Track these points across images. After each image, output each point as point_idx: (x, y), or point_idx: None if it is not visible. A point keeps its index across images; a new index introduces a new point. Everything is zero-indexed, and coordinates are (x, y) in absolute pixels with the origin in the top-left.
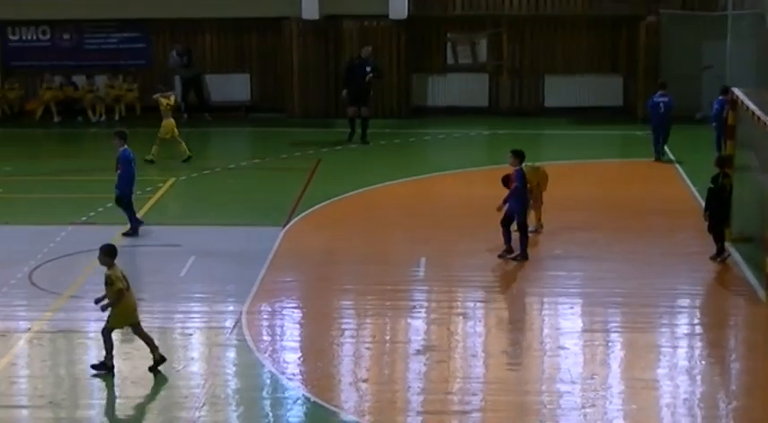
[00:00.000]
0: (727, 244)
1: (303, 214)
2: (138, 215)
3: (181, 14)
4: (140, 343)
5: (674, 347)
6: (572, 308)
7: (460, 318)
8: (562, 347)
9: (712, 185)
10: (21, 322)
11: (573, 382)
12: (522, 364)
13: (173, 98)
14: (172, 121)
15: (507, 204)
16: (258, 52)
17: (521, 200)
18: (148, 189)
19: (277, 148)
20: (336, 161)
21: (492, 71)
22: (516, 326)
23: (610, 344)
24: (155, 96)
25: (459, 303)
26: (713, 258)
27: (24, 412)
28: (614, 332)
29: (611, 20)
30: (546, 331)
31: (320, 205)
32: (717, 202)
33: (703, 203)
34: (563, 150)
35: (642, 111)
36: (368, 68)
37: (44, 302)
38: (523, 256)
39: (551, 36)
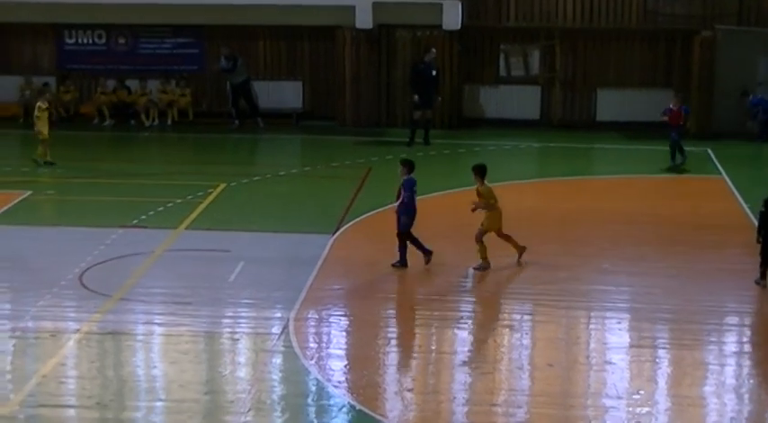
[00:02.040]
0: None
1: (352, 222)
2: (189, 220)
3: (235, 21)
4: (187, 347)
5: (722, 365)
6: (619, 323)
7: (507, 330)
8: (608, 362)
9: (764, 209)
10: (70, 323)
11: (619, 398)
12: (567, 378)
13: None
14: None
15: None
16: (311, 60)
17: (407, 210)
18: (199, 194)
19: (327, 156)
20: (387, 170)
21: (544, 83)
22: (563, 339)
23: (656, 360)
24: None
25: (505, 315)
26: (757, 282)
27: (72, 412)
28: (661, 348)
29: (666, 34)
30: (592, 345)
31: (370, 214)
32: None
33: (755, 221)
34: (613, 165)
35: (695, 126)
36: (434, 72)
37: (93, 304)
38: (402, 263)
39: (604, 49)
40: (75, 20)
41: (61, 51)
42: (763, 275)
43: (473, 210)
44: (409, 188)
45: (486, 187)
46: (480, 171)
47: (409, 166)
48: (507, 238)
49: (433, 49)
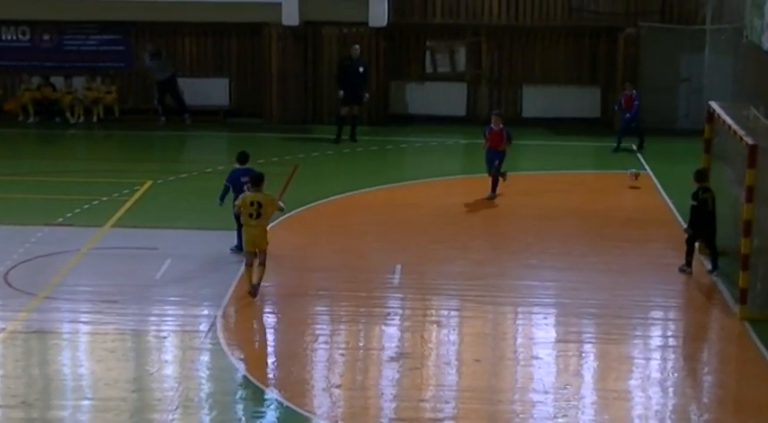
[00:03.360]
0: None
1: (280, 219)
2: (115, 218)
3: (161, 18)
4: (114, 345)
5: (647, 359)
6: (546, 318)
7: (434, 326)
8: (535, 357)
9: (694, 203)
10: None
11: (546, 392)
12: (495, 374)
13: None
14: None
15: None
16: (238, 57)
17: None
18: (126, 192)
19: (254, 153)
20: (313, 167)
21: (470, 80)
22: (490, 335)
23: (583, 354)
24: None
25: (433, 311)
26: (682, 270)
27: None
28: (588, 343)
29: (590, 31)
30: (519, 341)
31: (296, 211)
32: (700, 219)
33: (679, 216)
34: (540, 161)
35: (620, 121)
36: (361, 69)
37: (19, 303)
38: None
39: (530, 46)
40: None
41: None
42: (688, 264)
43: None
44: (228, 180)
45: None
46: None
47: (242, 158)
48: None
49: (356, 46)
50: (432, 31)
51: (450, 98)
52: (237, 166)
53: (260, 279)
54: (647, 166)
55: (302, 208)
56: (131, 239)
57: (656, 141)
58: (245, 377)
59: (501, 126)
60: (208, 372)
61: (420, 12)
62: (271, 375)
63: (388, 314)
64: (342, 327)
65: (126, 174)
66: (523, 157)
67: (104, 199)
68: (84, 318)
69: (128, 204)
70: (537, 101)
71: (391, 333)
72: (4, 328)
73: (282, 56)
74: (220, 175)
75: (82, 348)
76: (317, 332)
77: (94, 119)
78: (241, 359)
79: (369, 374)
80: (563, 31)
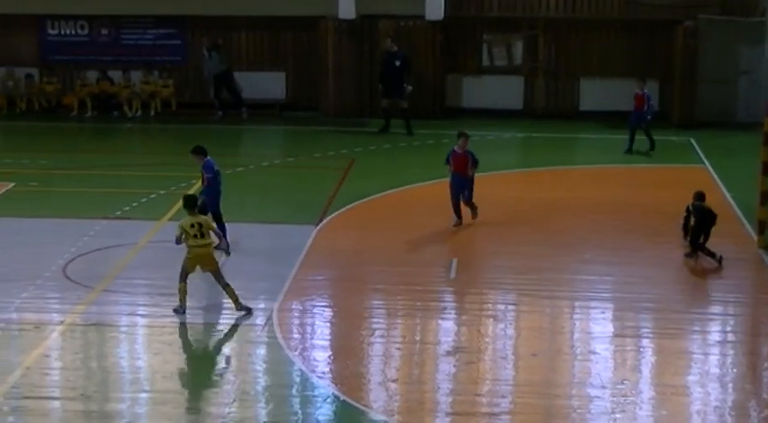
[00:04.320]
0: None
1: (336, 213)
2: (172, 211)
3: (217, 11)
4: (171, 338)
5: (706, 354)
6: (603, 312)
7: (491, 320)
8: (593, 352)
9: (686, 214)
10: (54, 314)
11: (603, 387)
12: (551, 368)
13: None
14: None
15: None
16: (294, 50)
17: (212, 190)
18: (182, 185)
19: (311, 146)
20: (370, 161)
21: (527, 73)
22: (547, 329)
23: (641, 349)
24: None
25: (489, 305)
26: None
27: (56, 404)
28: (645, 337)
29: (648, 24)
30: (576, 335)
31: (353, 204)
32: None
33: (738, 211)
34: (595, 154)
35: (678, 115)
36: (397, 62)
37: (77, 295)
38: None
39: (587, 39)
40: (57, 11)
41: (44, 42)
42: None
43: None
44: (210, 170)
45: None
46: None
47: (201, 151)
48: None
49: (389, 39)
50: (488, 24)
51: (506, 91)
52: (205, 158)
53: (236, 298)
54: (705, 160)
55: (358, 202)
56: None
57: (714, 135)
58: (301, 370)
59: (466, 149)
60: (264, 365)
61: (477, 5)
62: (327, 369)
63: (445, 308)
64: (398, 321)
65: (183, 167)
66: (580, 150)
67: (161, 192)
68: (141, 310)
69: None
70: (594, 94)
71: (447, 327)
72: (62, 321)
73: (338, 49)
74: (277, 168)
75: (139, 341)
76: (374, 326)
77: (151, 113)
78: (297, 352)
79: (425, 369)
80: (620, 23)
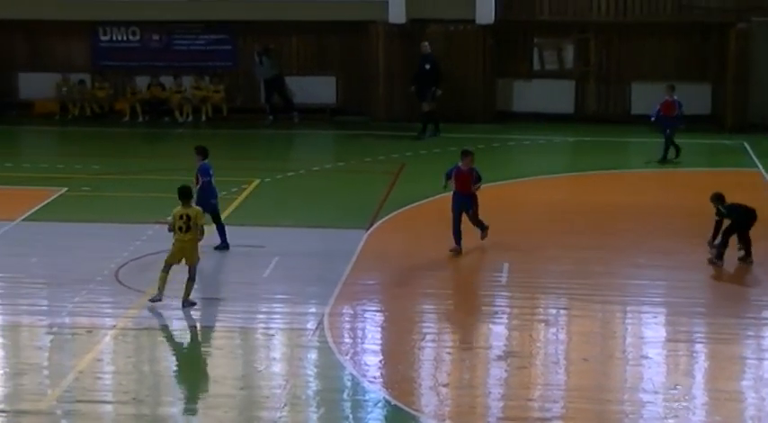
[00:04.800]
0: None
1: (387, 217)
2: (223, 216)
3: (268, 17)
4: (222, 342)
5: (760, 359)
6: (655, 317)
7: (542, 324)
8: (645, 356)
9: (718, 218)
10: (106, 319)
11: (655, 392)
12: (603, 373)
13: None
14: None
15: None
16: (344, 55)
17: (205, 193)
18: (234, 190)
19: (361, 151)
20: (420, 165)
21: (578, 77)
22: (598, 334)
23: (693, 354)
24: None
25: (541, 310)
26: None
27: (108, 408)
28: (698, 342)
29: (700, 27)
30: (628, 340)
31: (404, 208)
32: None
33: None
34: (648, 158)
35: (731, 119)
36: (427, 66)
37: (129, 300)
38: (224, 246)
39: (639, 42)
40: (109, 17)
41: (96, 48)
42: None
43: None
44: (206, 173)
45: None
46: None
47: (201, 151)
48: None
49: (425, 43)
50: (539, 28)
51: (557, 95)
52: (202, 160)
53: (188, 293)
54: (759, 164)
55: (409, 206)
56: (239, 237)
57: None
58: (352, 375)
59: (471, 166)
60: (315, 369)
61: (528, 9)
62: (378, 373)
63: (496, 312)
64: (449, 325)
65: (234, 172)
66: (632, 154)
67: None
68: (192, 315)
69: (236, 202)
70: (646, 98)
71: (499, 331)
72: (114, 325)
73: (389, 54)
74: (328, 173)
75: (191, 345)
76: (424, 330)
77: (203, 118)
78: (348, 357)
79: (476, 373)
80: (672, 26)
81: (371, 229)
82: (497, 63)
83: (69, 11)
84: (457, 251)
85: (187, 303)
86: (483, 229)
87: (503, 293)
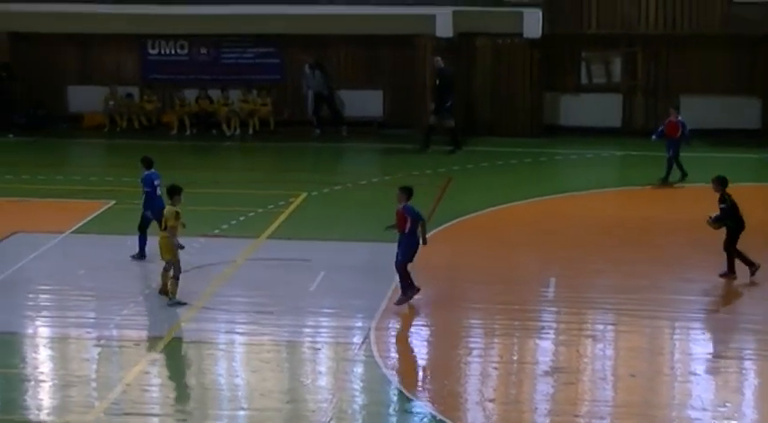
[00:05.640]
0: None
1: (433, 231)
2: (270, 229)
3: (315, 30)
4: (269, 356)
5: None
6: (703, 333)
7: (589, 340)
8: (693, 373)
9: (724, 205)
10: (154, 331)
11: (704, 409)
12: (651, 389)
13: None
14: None
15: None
16: (391, 69)
17: (146, 203)
18: (281, 203)
19: (408, 164)
20: (467, 179)
21: (626, 91)
22: (646, 349)
23: (743, 371)
24: None
25: (588, 325)
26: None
27: (155, 420)
28: (748, 359)
29: (750, 39)
30: (676, 356)
31: (450, 223)
32: (734, 219)
33: None
34: (695, 173)
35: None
36: (437, 81)
37: (176, 312)
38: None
39: (687, 56)
40: (158, 30)
41: (144, 62)
42: (751, 265)
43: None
44: (147, 184)
45: None
46: None
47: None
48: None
49: (437, 58)
50: (586, 41)
51: (605, 109)
52: (146, 170)
53: (163, 286)
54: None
55: (456, 220)
56: (286, 251)
57: None
58: (398, 389)
59: (403, 203)
60: (361, 383)
61: (575, 23)
62: (424, 388)
63: (543, 328)
64: (495, 340)
65: (281, 185)
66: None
67: (260, 210)
68: (239, 328)
69: (282, 216)
70: (694, 111)
71: (545, 347)
72: (162, 338)
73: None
74: (374, 186)
75: (237, 358)
76: (471, 345)
77: (250, 131)
78: (394, 371)
79: (522, 388)
80: (721, 39)
81: None
82: (545, 77)
83: (119, 25)
84: (406, 301)
85: (172, 301)
86: (402, 285)
87: (549, 308)
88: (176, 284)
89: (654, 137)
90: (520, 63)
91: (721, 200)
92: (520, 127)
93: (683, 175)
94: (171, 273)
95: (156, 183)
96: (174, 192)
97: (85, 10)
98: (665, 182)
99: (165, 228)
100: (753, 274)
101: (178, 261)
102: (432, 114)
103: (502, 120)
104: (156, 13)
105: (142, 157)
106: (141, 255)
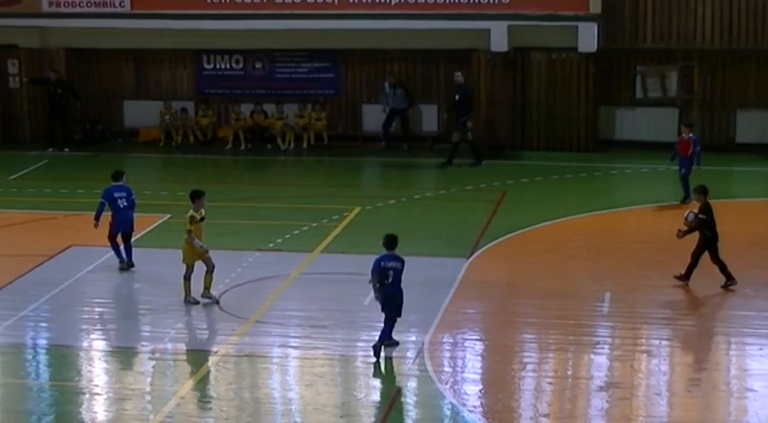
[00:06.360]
0: None
1: (488, 246)
2: (324, 243)
3: (370, 45)
4: (322, 370)
5: None
6: (761, 349)
7: (645, 355)
8: (750, 389)
9: (704, 216)
10: (208, 345)
11: None
12: (707, 405)
13: None
14: None
15: None
16: (446, 83)
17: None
18: (335, 217)
19: (463, 178)
20: (522, 193)
21: (682, 105)
22: (702, 365)
23: None
24: None
25: (643, 340)
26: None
27: None
28: None
29: None
30: (733, 372)
31: (505, 237)
32: (711, 230)
33: None
34: (753, 188)
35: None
36: (456, 96)
37: (230, 326)
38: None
39: (744, 70)
40: (213, 45)
41: (200, 76)
42: (730, 277)
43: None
44: (105, 196)
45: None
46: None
47: (112, 175)
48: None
49: (457, 73)
50: (642, 55)
51: (660, 123)
52: (112, 183)
53: (206, 288)
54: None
55: (511, 234)
56: (340, 265)
57: None
58: (451, 404)
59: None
60: (415, 398)
61: (631, 36)
62: (478, 403)
63: (597, 343)
64: (550, 355)
65: (335, 200)
66: (736, 183)
67: (314, 225)
68: (293, 342)
69: (336, 230)
70: (752, 126)
71: (600, 362)
72: (216, 352)
73: (491, 82)
74: (429, 201)
75: (291, 372)
76: (525, 360)
77: (304, 145)
78: (448, 386)
79: (577, 404)
80: None
81: (472, 257)
82: (600, 91)
83: (175, 40)
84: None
85: (206, 296)
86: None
87: (604, 323)
88: (210, 279)
89: (670, 159)
90: (575, 77)
91: (702, 210)
92: (575, 141)
93: (685, 197)
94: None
95: (116, 195)
96: (194, 196)
97: (142, 25)
98: (684, 202)
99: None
100: (726, 287)
101: (192, 265)
102: (455, 132)
103: (557, 134)
104: (212, 28)
105: (113, 171)
106: (123, 263)
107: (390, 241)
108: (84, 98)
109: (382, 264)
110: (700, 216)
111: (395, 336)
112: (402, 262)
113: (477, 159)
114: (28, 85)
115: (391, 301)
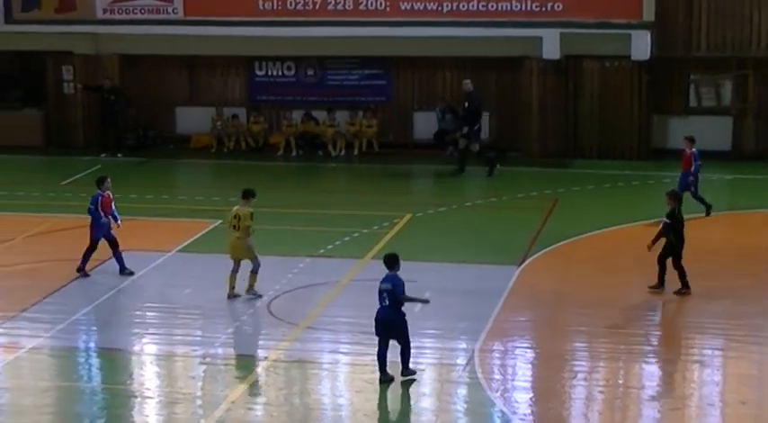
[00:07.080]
0: None
1: (539, 254)
2: (375, 250)
3: (421, 52)
4: (373, 376)
5: None
6: None
7: (697, 365)
8: None
9: (668, 220)
10: (258, 350)
11: None
12: (761, 417)
13: None
14: None
15: None
16: (497, 91)
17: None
18: (385, 224)
19: (514, 186)
20: (573, 201)
21: (736, 114)
22: (756, 376)
23: None
24: None
25: (695, 350)
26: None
27: None
28: None
29: None
30: None
31: (556, 245)
32: (678, 236)
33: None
34: None
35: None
36: (465, 104)
37: (281, 332)
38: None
39: None
40: (265, 52)
41: (251, 83)
42: (686, 284)
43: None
44: (91, 202)
45: None
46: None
47: (96, 181)
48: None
49: (465, 81)
50: (696, 64)
51: (714, 132)
52: (99, 191)
53: (249, 286)
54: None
55: (562, 242)
56: None
57: None
58: (502, 412)
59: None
60: (465, 405)
61: (684, 45)
62: (528, 411)
63: (649, 352)
64: (601, 364)
65: (386, 206)
66: None
67: (364, 231)
68: (343, 348)
69: (387, 237)
70: None
71: (652, 372)
72: (266, 357)
73: (543, 89)
74: (480, 209)
75: (341, 379)
76: (576, 369)
77: (355, 152)
78: (498, 394)
79: (628, 413)
80: None
81: (523, 265)
82: (652, 99)
83: (227, 47)
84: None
85: (250, 293)
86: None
87: (656, 333)
88: (255, 278)
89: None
90: (627, 85)
91: (668, 214)
92: (627, 149)
93: (707, 208)
94: (238, 271)
95: (97, 201)
96: (248, 194)
97: (194, 32)
98: (709, 214)
99: (237, 227)
100: (680, 293)
101: (256, 256)
102: (462, 138)
103: (609, 142)
104: (264, 35)
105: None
106: (126, 270)
107: (388, 261)
108: (136, 104)
109: (380, 285)
110: (664, 220)
111: (445, 343)
112: (395, 284)
113: (461, 168)
114: (82, 92)
115: (392, 329)
